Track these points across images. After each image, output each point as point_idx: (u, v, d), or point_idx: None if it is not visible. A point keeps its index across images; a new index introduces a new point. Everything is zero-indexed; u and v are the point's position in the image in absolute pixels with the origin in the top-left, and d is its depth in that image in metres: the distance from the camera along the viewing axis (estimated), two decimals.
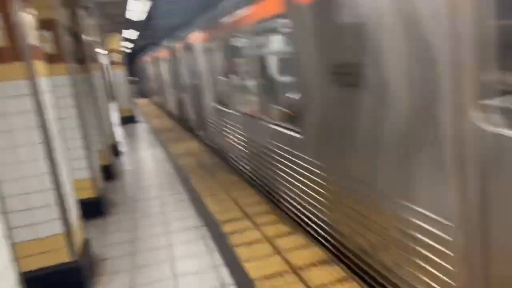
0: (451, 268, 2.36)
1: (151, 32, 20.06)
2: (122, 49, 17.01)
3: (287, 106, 4.86)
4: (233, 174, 6.87)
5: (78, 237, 3.93)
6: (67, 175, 3.97)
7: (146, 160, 9.13)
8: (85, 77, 6.93)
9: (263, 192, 5.81)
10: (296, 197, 4.57)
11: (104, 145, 7.49)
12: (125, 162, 9.30)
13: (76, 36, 6.71)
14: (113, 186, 7.24)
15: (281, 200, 5.07)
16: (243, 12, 5.38)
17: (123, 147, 10.97)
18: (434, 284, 2.51)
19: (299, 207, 4.53)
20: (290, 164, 4.55)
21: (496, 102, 1.98)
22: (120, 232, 5.09)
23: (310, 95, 3.78)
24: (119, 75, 15.56)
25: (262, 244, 4.19)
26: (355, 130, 3.11)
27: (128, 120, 15.69)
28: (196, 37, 8.80)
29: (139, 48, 27.60)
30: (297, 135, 4.24)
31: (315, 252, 3.89)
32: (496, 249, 2.06)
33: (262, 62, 5.45)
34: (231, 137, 7.19)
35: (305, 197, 4.28)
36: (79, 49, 6.75)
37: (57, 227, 3.59)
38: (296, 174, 4.42)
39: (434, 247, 2.46)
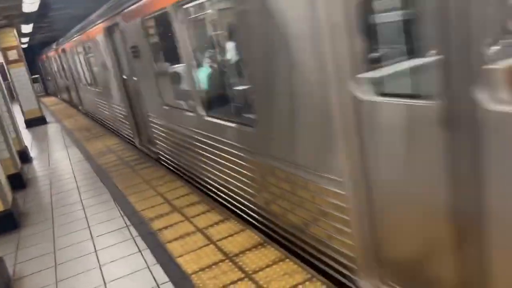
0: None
1: (50, 25, 18.47)
2: (21, 45, 15.49)
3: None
4: (159, 168, 6.63)
5: None
6: None
7: (61, 163, 8.47)
8: None
9: (95, 120, 12.81)
10: (106, 114, 10.65)
11: (10, 152, 6.81)
12: (37, 167, 8.57)
13: None
14: (24, 195, 6.64)
15: (102, 119, 11.46)
16: (86, 31, 9.94)
17: (33, 152, 10.09)
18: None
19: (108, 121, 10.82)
20: (102, 102, 10.65)
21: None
22: (38, 245, 4.67)
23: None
24: (20, 73, 14.16)
25: (194, 236, 4.09)
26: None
27: (36, 121, 14.44)
28: (66, 44, 14.41)
29: (42, 44, 25.40)
30: (99, 87, 10.37)
31: (249, 236, 3.88)
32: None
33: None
34: (89, 100, 13.36)
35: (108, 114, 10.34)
36: None
37: None
38: (102, 103, 10.47)
39: None
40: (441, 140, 1.99)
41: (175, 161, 6.15)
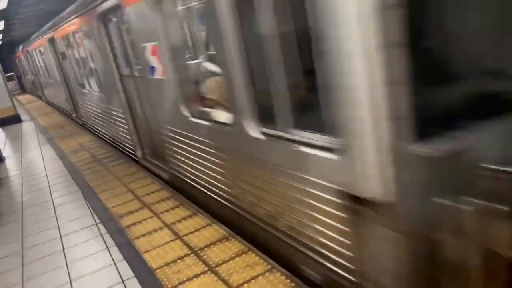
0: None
1: (23, 22, 18.10)
2: None
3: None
4: (131, 165, 6.63)
5: None
6: None
7: (34, 162, 8.38)
8: None
9: (54, 106, 16.32)
10: (58, 100, 14.48)
11: None
12: (9, 167, 8.46)
13: None
14: None
15: (57, 105, 15.33)
16: (39, 40, 13.89)
17: (5, 152, 9.94)
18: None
19: (60, 105, 14.66)
20: (55, 90, 14.53)
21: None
22: (6, 245, 4.65)
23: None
24: None
25: (162, 232, 4.14)
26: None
27: (10, 120, 14.18)
28: (29, 47, 17.87)
29: (16, 41, 24.82)
30: (52, 80, 14.39)
31: (215, 230, 3.95)
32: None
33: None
34: (47, 91, 17.38)
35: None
36: None
37: None
38: (55, 91, 14.44)
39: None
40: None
41: (89, 122, 10.19)
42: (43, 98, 19.87)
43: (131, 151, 6.83)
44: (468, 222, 1.83)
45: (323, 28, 2.09)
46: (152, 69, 4.63)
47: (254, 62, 2.99)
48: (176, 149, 4.76)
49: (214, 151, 3.84)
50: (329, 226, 2.58)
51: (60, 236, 4.57)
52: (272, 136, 2.94)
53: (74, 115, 12.07)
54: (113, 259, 3.82)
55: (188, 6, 4.18)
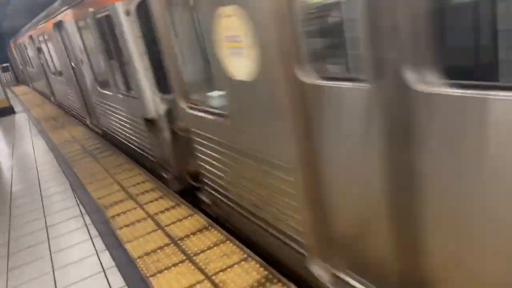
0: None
1: (15, 12, 18.02)
2: None
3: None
4: (119, 156, 6.69)
5: None
6: None
7: (25, 154, 8.43)
8: None
9: (39, 91, 19.74)
10: (40, 84, 17.63)
11: None
12: (1, 159, 8.50)
13: None
14: None
15: (39, 90, 19.15)
16: (24, 36, 16.93)
17: None
18: None
19: (39, 87, 18.90)
20: (37, 76, 17.59)
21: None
22: None
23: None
24: None
25: (145, 223, 4.21)
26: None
27: (3, 112, 14.16)
28: (17, 41, 20.64)
29: (11, 31, 24.64)
30: (36, 70, 17.70)
31: (196, 221, 4.03)
32: None
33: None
34: (34, 79, 20.07)
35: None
36: None
37: None
38: (38, 76, 17.49)
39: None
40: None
41: (63, 103, 12.73)
42: (30, 86, 23.13)
43: (84, 120, 9.74)
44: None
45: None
46: (82, 62, 7.63)
47: (105, 63, 6.13)
48: (99, 111, 7.80)
49: (109, 107, 6.85)
50: (142, 135, 5.53)
51: (46, 227, 4.64)
52: (123, 95, 5.75)
53: (52, 98, 14.75)
54: (95, 249, 3.89)
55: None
